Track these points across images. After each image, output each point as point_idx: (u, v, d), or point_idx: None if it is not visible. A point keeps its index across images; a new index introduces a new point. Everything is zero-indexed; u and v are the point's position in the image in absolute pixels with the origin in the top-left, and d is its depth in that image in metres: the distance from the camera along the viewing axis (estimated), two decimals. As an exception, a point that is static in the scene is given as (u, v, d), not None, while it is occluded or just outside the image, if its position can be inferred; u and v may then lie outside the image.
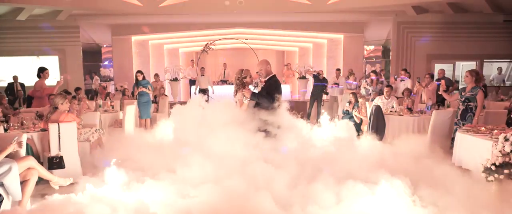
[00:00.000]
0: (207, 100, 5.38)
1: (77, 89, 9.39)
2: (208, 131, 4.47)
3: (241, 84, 4.91)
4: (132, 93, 9.55)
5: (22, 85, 10.91)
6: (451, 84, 9.30)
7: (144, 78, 8.58)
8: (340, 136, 6.02)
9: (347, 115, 8.09)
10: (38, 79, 7.44)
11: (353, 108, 8.01)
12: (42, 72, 7.39)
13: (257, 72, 4.98)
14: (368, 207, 3.55)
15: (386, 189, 3.66)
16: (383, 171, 3.89)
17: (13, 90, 10.80)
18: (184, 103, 5.20)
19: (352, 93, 8.35)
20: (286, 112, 4.60)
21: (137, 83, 8.49)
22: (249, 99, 4.70)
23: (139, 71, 8.67)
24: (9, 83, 11.06)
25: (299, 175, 4.13)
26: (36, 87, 7.42)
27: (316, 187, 3.87)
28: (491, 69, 13.20)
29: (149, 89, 8.46)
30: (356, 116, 7.87)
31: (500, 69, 13.08)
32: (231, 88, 5.42)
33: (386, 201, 3.58)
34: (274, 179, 3.98)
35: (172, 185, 4.08)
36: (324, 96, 11.18)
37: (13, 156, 3.85)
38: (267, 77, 4.81)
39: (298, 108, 7.40)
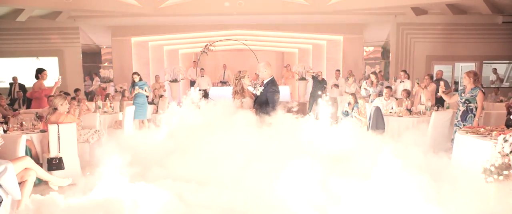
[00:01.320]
0: (205, 97, 5.37)
1: (76, 90, 9.39)
2: (208, 130, 4.46)
3: (241, 88, 4.91)
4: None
5: (22, 86, 10.90)
6: (448, 87, 9.30)
7: (140, 79, 8.57)
8: (347, 134, 5.95)
9: (347, 116, 8.09)
10: (36, 80, 7.44)
11: (352, 109, 8.00)
12: (40, 73, 7.38)
13: (256, 73, 5.00)
14: (389, 202, 3.49)
15: (408, 184, 3.58)
16: (399, 167, 3.81)
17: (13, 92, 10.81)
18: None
19: (352, 94, 8.35)
20: (288, 113, 4.60)
21: (133, 84, 8.48)
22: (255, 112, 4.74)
23: (135, 73, 8.64)
24: (10, 84, 11.06)
25: (312, 173, 4.08)
26: (35, 88, 7.41)
27: (334, 184, 3.81)
28: (491, 71, 13.24)
29: (145, 91, 8.44)
30: (355, 117, 7.87)
31: (494, 69, 13.10)
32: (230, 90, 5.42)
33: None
34: (286, 178, 3.95)
35: (171, 186, 4.07)
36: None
37: (9, 157, 3.84)
38: (265, 80, 4.83)
39: (298, 109, 7.38)
